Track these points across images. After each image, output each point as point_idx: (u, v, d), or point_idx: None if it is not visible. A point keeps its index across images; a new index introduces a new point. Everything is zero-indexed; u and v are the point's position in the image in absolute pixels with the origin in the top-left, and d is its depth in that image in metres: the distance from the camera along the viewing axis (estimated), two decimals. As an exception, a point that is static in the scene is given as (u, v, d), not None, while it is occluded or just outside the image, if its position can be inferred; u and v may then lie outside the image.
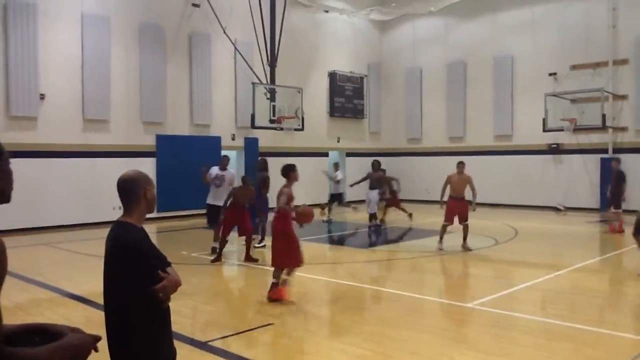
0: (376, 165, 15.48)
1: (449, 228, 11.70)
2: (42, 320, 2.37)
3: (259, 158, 14.08)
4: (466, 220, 11.60)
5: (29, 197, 14.59)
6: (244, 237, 10.60)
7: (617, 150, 18.85)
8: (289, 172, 7.84)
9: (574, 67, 19.58)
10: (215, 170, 11.69)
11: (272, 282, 7.59)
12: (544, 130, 18.85)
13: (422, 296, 8.18)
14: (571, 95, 18.65)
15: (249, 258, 10.42)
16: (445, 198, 11.89)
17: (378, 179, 15.36)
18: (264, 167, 12.58)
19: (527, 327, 6.45)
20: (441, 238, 11.67)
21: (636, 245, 9.40)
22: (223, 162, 11.78)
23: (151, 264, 2.76)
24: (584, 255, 11.36)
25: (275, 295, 7.47)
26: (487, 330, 6.38)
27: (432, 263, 10.74)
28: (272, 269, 7.72)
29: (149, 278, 2.71)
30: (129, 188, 2.86)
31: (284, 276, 7.64)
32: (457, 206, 11.62)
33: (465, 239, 11.56)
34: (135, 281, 2.72)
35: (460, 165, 11.81)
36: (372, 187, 15.15)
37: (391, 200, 16.66)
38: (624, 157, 18.66)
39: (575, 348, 5.69)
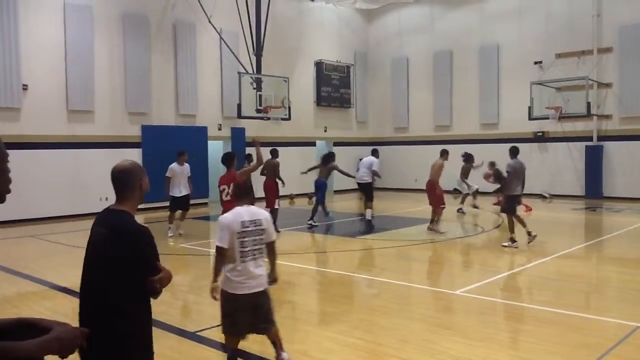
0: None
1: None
2: (30, 313, 2.36)
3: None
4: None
5: (13, 189, 14.40)
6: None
7: (601, 138, 19.04)
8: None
9: (559, 56, 19.68)
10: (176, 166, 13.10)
11: None
12: (530, 119, 18.99)
13: (409, 284, 8.24)
14: (556, 83, 18.76)
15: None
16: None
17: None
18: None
19: (513, 313, 6.52)
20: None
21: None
22: (182, 158, 13.15)
23: (150, 252, 2.78)
24: (569, 242, 11.51)
25: None
26: (474, 316, 6.46)
27: (418, 251, 10.80)
28: None
29: (146, 267, 2.73)
30: (125, 177, 2.86)
31: None
32: None
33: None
34: (132, 268, 2.71)
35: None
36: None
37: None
38: (609, 145, 18.89)
39: (561, 333, 5.77)
